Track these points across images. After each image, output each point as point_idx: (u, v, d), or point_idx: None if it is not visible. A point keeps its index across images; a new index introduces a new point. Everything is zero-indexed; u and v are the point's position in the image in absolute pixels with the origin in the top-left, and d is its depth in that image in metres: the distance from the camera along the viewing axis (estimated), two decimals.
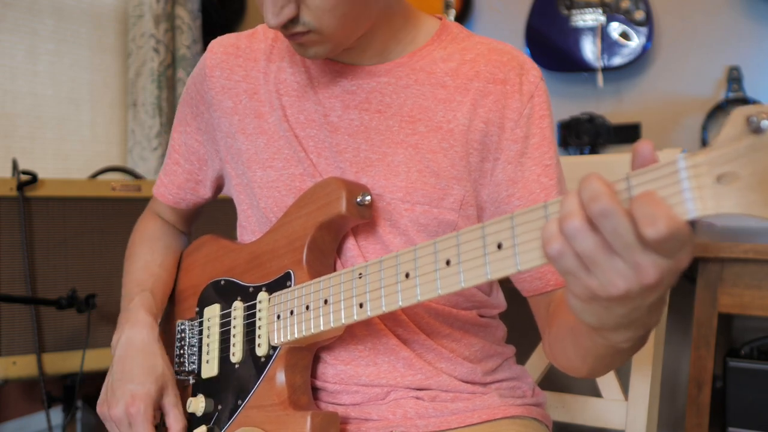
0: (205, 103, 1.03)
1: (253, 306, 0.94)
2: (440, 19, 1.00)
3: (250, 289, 0.95)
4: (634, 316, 0.61)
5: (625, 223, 0.53)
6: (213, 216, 2.01)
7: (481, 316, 1.00)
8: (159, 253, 1.10)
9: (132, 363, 0.94)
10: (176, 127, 1.10)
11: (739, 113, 0.53)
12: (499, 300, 1.05)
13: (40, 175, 1.96)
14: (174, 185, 1.11)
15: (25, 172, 1.91)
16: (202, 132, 1.06)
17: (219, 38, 1.05)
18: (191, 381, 1.00)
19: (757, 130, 0.51)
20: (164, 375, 0.96)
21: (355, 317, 0.79)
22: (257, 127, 0.97)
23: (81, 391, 2.13)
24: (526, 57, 0.97)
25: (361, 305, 0.79)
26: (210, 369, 0.98)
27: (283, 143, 0.95)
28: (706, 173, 0.53)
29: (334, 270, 0.93)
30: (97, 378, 2.43)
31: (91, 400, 2.18)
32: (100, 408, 0.95)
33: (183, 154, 1.09)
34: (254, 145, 0.97)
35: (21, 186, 1.89)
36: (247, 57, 1.01)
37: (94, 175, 2.24)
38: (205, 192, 1.11)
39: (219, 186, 1.11)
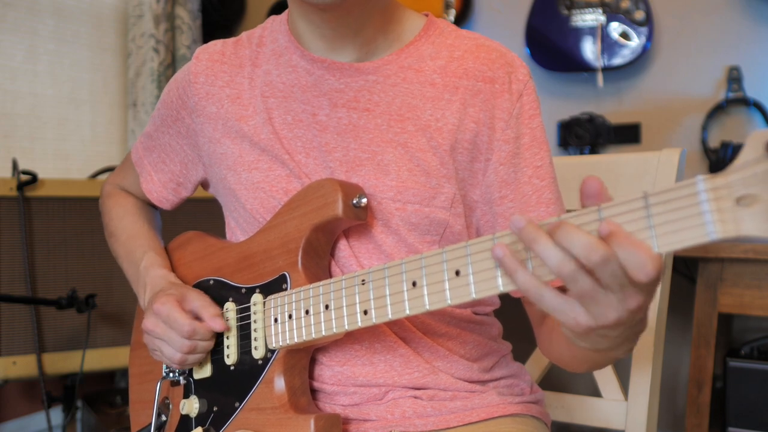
0: (187, 109, 1.03)
1: (247, 308, 0.93)
2: (426, 15, 0.99)
3: (243, 290, 0.95)
4: (625, 334, 0.68)
5: (618, 267, 0.58)
6: (201, 214, 2.02)
7: (476, 313, 1.00)
8: (145, 224, 1.13)
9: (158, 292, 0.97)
10: (159, 127, 1.09)
11: (757, 137, 0.53)
12: (493, 298, 1.05)
13: (40, 175, 1.96)
14: (159, 183, 1.11)
15: (25, 172, 1.92)
16: (182, 136, 1.06)
17: (205, 45, 1.05)
18: (183, 381, 0.99)
19: None
20: (181, 284, 0.98)
21: (360, 323, 0.79)
22: (240, 130, 0.97)
23: (81, 391, 2.13)
24: (513, 54, 0.96)
25: (365, 312, 0.78)
26: (203, 370, 0.97)
27: (266, 145, 0.95)
28: (726, 196, 0.54)
29: (330, 272, 0.93)
30: (97, 378, 2.44)
31: (91, 400, 2.18)
32: (143, 329, 0.96)
33: (168, 154, 1.09)
34: (238, 148, 0.97)
35: (21, 186, 1.89)
36: (232, 63, 1.01)
37: (94, 175, 2.24)
38: (187, 193, 1.12)
39: (200, 185, 1.12)
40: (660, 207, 0.56)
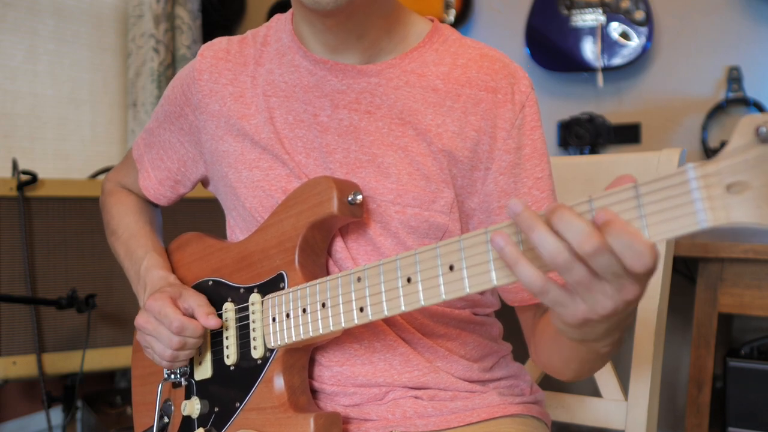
0: (191, 105, 1.03)
1: (246, 308, 0.93)
2: (432, 21, 0.99)
3: (241, 290, 0.95)
4: (615, 325, 0.67)
5: (613, 257, 0.57)
6: (201, 215, 2.02)
7: (475, 314, 1.00)
8: (146, 224, 1.12)
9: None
10: (161, 123, 1.09)
11: (747, 123, 0.53)
12: (493, 299, 1.05)
13: (40, 175, 1.96)
14: (156, 179, 1.11)
15: (25, 172, 1.92)
16: (184, 133, 1.06)
17: (210, 43, 1.05)
18: (184, 383, 0.99)
19: (766, 140, 0.51)
20: (179, 285, 0.98)
21: (356, 321, 0.79)
22: (241, 129, 0.97)
23: (81, 391, 2.13)
24: (517, 65, 0.96)
25: (361, 309, 0.78)
26: (203, 371, 0.97)
27: (267, 145, 0.95)
28: (716, 183, 0.53)
29: (327, 270, 0.93)
30: (97, 378, 2.44)
31: (91, 400, 2.18)
32: (135, 325, 0.96)
33: (167, 151, 1.09)
34: (240, 146, 0.97)
35: (21, 186, 1.89)
36: (236, 61, 1.01)
37: (94, 175, 2.24)
38: (185, 191, 1.12)
39: (200, 183, 1.12)
40: (651, 196, 0.56)
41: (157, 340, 0.92)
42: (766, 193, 0.51)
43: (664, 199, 0.55)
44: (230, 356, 0.93)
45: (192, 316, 0.92)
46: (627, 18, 2.21)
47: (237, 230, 1.02)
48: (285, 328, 0.86)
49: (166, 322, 0.90)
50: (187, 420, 0.97)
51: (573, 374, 0.88)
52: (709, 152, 2.15)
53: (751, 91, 2.13)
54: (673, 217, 0.55)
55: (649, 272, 0.58)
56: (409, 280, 0.73)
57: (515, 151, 0.92)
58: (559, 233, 0.58)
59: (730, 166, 0.53)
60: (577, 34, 2.26)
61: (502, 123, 0.92)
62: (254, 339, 0.91)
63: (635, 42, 2.21)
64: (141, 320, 0.93)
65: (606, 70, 2.25)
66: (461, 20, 2.48)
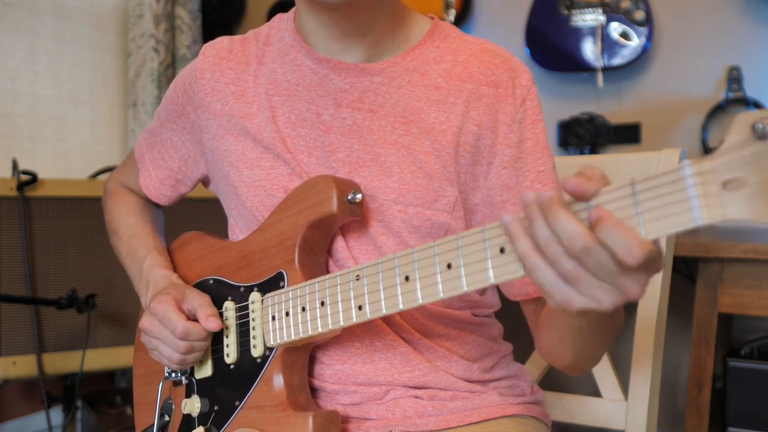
0: (193, 104, 1.03)
1: (246, 307, 0.93)
2: (432, 18, 1.00)
3: (241, 289, 0.95)
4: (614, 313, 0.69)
5: (605, 254, 0.57)
6: (201, 214, 2.02)
7: (475, 315, 1.00)
8: (147, 224, 1.13)
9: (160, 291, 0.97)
10: (163, 122, 1.09)
11: (743, 120, 0.53)
12: (493, 300, 1.05)
13: (40, 175, 1.96)
14: (157, 179, 1.11)
15: (25, 172, 1.92)
16: (186, 132, 1.06)
17: (212, 42, 1.05)
18: (184, 381, 1.00)
19: (762, 136, 0.51)
20: (182, 285, 0.98)
21: (355, 319, 0.79)
22: (243, 128, 0.97)
23: (81, 391, 2.13)
24: (517, 60, 0.97)
25: (360, 307, 0.78)
26: (204, 369, 0.97)
27: (269, 144, 0.95)
28: (712, 180, 0.53)
29: (327, 269, 0.93)
30: (97, 378, 2.44)
31: (91, 400, 2.18)
32: (140, 327, 0.96)
33: (168, 150, 1.09)
34: (241, 145, 0.97)
35: (21, 186, 1.89)
36: (238, 61, 1.01)
37: (94, 175, 2.24)
38: (186, 190, 1.12)
39: (201, 183, 1.12)
40: (647, 193, 0.56)
41: (163, 344, 0.92)
42: (762, 190, 0.51)
43: (660, 196, 0.55)
44: (230, 355, 0.93)
45: (194, 318, 0.92)
46: (627, 18, 2.21)
47: (238, 230, 1.02)
48: (284, 326, 0.86)
49: (170, 326, 0.90)
50: (187, 418, 0.98)
51: (573, 356, 0.87)
52: (710, 152, 2.15)
53: (751, 91, 2.13)
54: (669, 214, 0.55)
55: (645, 267, 0.58)
56: (407, 278, 0.73)
57: (517, 145, 0.92)
58: (551, 229, 0.59)
59: (726, 163, 0.53)
60: (577, 34, 2.27)
61: (503, 117, 0.92)
62: (254, 338, 0.91)
63: (635, 42, 2.21)
64: (146, 323, 0.93)
65: (606, 70, 2.25)
66: (461, 20, 2.48)
